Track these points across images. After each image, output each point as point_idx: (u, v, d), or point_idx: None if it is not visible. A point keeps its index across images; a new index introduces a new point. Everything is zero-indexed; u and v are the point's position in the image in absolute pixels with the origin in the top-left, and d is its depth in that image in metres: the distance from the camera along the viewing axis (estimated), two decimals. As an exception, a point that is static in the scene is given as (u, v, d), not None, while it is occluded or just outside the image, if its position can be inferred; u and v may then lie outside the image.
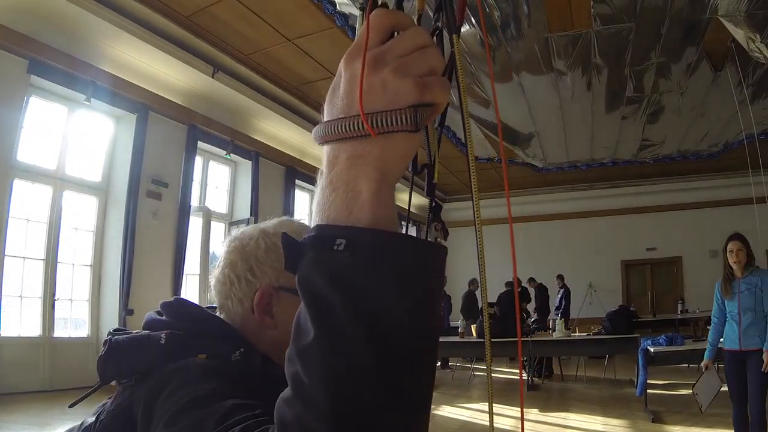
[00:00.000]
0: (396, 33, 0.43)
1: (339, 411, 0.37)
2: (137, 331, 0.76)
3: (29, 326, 5.91)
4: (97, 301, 6.60)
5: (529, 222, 13.28)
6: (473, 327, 7.67)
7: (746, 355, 3.58)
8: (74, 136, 6.55)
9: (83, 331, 6.49)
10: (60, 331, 6.23)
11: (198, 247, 7.76)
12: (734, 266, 3.64)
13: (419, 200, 1.24)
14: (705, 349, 3.97)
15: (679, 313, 10.95)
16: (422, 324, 0.40)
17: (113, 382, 0.74)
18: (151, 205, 6.99)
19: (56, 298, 6.15)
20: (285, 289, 0.79)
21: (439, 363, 9.66)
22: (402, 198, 0.70)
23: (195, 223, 7.71)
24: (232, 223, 8.42)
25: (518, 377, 8.04)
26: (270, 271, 0.80)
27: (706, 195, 12.83)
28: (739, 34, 5.78)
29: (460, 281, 10.59)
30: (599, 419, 5.37)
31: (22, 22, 5.40)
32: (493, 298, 9.40)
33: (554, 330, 7.55)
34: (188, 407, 0.59)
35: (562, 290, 10.56)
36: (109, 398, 0.74)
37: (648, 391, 5.51)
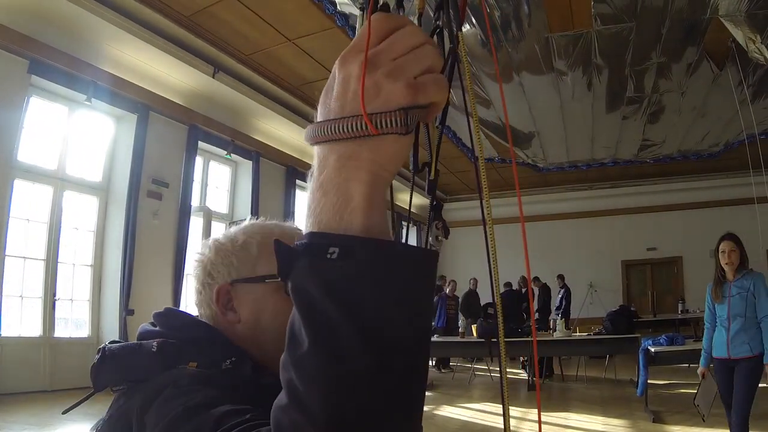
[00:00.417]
0: None
1: (334, 418, 0.37)
2: (131, 341, 0.77)
3: (30, 326, 5.91)
4: (97, 301, 6.60)
5: (529, 222, 13.28)
6: (474, 327, 7.66)
7: (734, 363, 3.39)
8: (75, 136, 6.55)
9: (84, 331, 6.49)
10: (60, 331, 6.23)
11: (198, 247, 7.75)
12: (726, 268, 3.42)
13: (419, 200, 1.24)
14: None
15: (679, 313, 10.94)
16: (416, 330, 0.41)
17: (107, 390, 0.75)
18: (151, 205, 6.99)
19: (57, 298, 6.15)
20: (238, 281, 0.81)
21: (433, 362, 9.65)
22: (402, 198, 0.70)
23: (195, 223, 7.71)
24: (232, 223, 8.34)
25: (519, 377, 8.04)
26: (222, 268, 0.82)
27: (706, 195, 12.83)
28: (738, 35, 5.79)
29: (459, 281, 10.59)
30: (600, 419, 5.37)
31: (23, 22, 5.41)
32: (490, 298, 9.39)
33: (555, 330, 7.55)
34: (181, 417, 0.59)
35: (562, 290, 10.57)
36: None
37: (648, 391, 5.50)
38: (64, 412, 0.86)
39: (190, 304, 0.90)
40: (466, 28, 5.83)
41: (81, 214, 6.62)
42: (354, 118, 0.39)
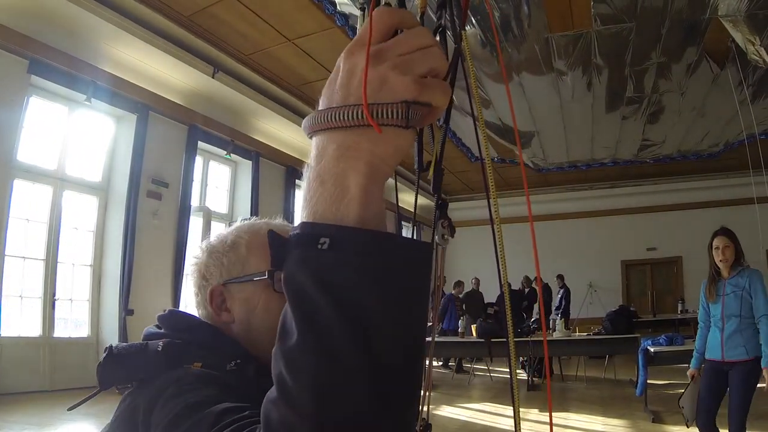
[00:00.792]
0: (399, 32, 0.42)
1: (324, 411, 0.37)
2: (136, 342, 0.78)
3: (29, 326, 5.90)
4: (97, 301, 6.59)
5: (529, 222, 13.25)
6: (473, 327, 7.66)
7: (728, 367, 3.18)
8: (74, 136, 6.54)
9: (83, 331, 6.48)
10: (60, 331, 6.22)
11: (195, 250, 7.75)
12: (720, 265, 3.23)
13: (422, 200, 1.24)
14: None
15: (679, 313, 10.95)
16: (407, 323, 0.40)
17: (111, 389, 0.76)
18: (151, 205, 6.99)
19: (56, 298, 6.14)
20: (230, 281, 0.82)
21: (444, 363, 9.65)
22: (406, 200, 0.70)
23: (195, 223, 7.70)
24: (232, 223, 8.41)
25: (518, 377, 8.03)
26: (214, 270, 0.83)
27: (706, 195, 12.83)
28: (738, 36, 5.79)
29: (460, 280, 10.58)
30: (599, 419, 5.37)
31: (22, 22, 5.40)
32: (492, 298, 9.37)
33: (554, 330, 7.55)
34: (182, 415, 0.60)
35: (562, 290, 10.57)
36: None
37: (648, 391, 5.50)
38: (69, 409, 0.87)
39: (189, 304, 0.91)
40: (466, 28, 5.83)
41: (81, 214, 6.61)
42: (357, 106, 0.39)
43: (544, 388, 7.42)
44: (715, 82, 7.30)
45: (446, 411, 6.06)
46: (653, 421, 4.95)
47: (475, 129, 0.44)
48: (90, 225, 6.71)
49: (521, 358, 8.45)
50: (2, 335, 5.45)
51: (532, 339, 7.13)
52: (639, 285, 13.87)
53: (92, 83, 6.13)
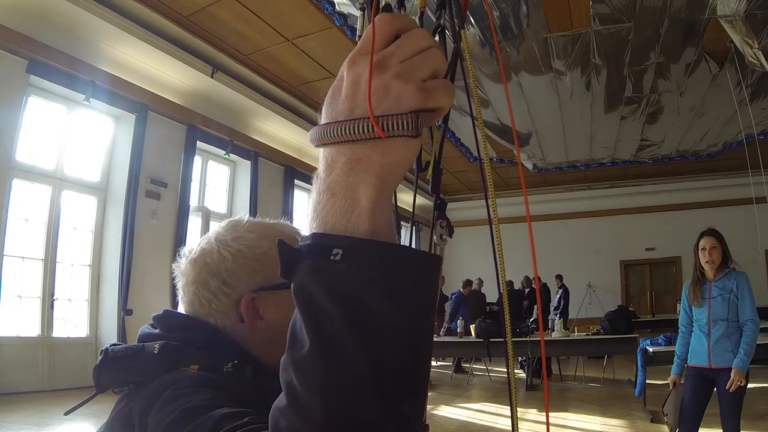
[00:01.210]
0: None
1: (334, 421, 0.37)
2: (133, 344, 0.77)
3: (28, 326, 5.90)
4: (96, 301, 6.59)
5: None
6: (472, 327, 7.66)
7: (715, 374, 3.05)
8: (73, 136, 6.54)
9: (82, 331, 6.48)
10: (59, 331, 6.21)
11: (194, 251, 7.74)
12: (706, 266, 3.09)
13: (421, 201, 1.24)
14: None
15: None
16: (418, 334, 0.40)
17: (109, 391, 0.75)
18: (150, 204, 6.99)
19: (55, 297, 6.14)
20: (263, 289, 0.80)
21: (436, 363, 9.65)
22: (405, 199, 0.70)
23: (194, 223, 7.70)
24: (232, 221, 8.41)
25: (517, 377, 8.04)
26: (244, 277, 0.80)
27: (705, 195, 12.85)
28: (736, 38, 5.79)
29: (457, 280, 10.59)
30: (598, 419, 5.37)
31: (22, 22, 5.40)
32: (493, 298, 9.39)
33: (553, 330, 7.55)
34: (180, 419, 0.59)
35: (560, 290, 10.57)
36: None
37: (647, 391, 5.51)
38: (66, 413, 0.85)
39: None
40: (465, 28, 5.83)
41: (79, 214, 6.60)
42: (365, 120, 0.39)
43: (544, 388, 7.41)
44: (713, 83, 7.30)
45: (445, 411, 6.06)
46: (652, 421, 4.95)
47: (474, 129, 0.44)
48: (89, 225, 6.71)
49: (520, 359, 8.46)
50: (1, 335, 5.45)
51: (530, 339, 7.13)
52: (638, 285, 13.89)
53: (91, 83, 6.13)
